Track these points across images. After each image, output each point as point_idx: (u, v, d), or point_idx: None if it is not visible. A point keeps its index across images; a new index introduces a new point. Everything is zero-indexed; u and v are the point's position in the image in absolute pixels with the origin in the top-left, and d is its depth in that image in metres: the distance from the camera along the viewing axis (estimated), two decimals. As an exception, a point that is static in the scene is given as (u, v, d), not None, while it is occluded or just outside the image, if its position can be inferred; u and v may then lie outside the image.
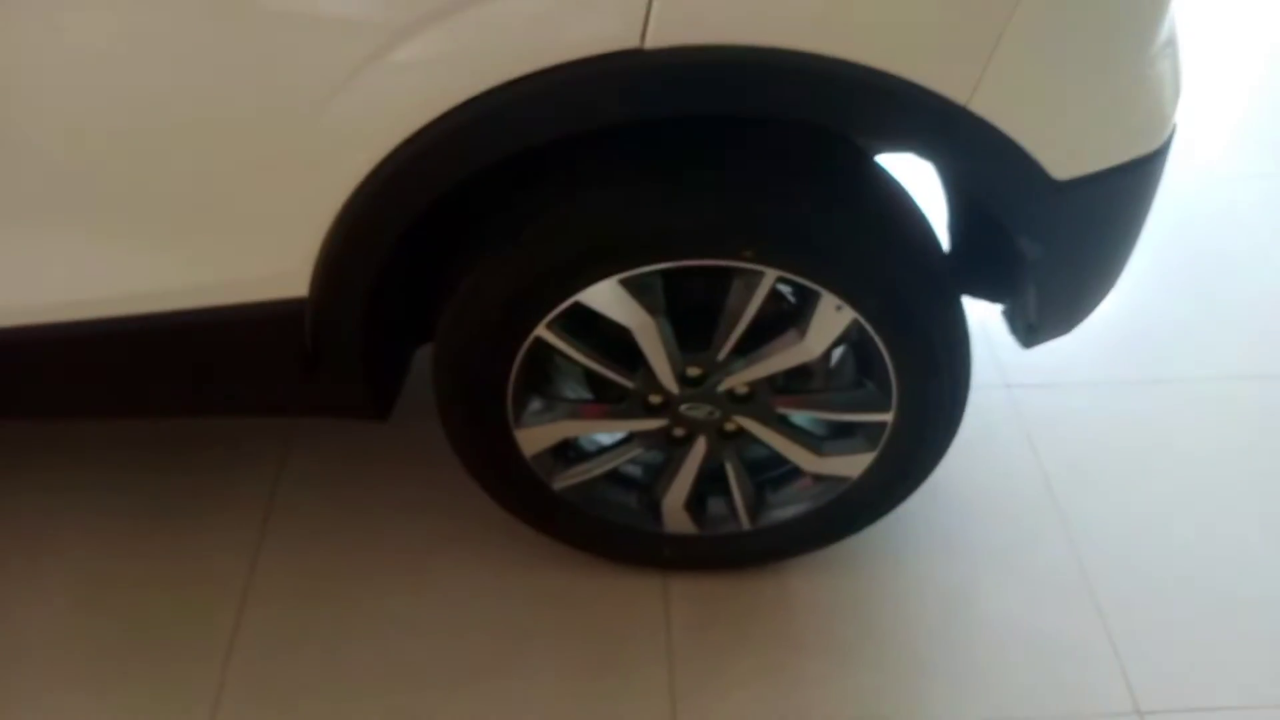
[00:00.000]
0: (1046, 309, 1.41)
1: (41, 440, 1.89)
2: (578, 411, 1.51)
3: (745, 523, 1.60)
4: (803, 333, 1.38)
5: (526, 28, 1.10)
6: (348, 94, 1.13)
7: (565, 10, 1.09)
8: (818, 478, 1.57)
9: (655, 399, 1.47)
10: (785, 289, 1.43)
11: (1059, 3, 1.14)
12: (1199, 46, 3.02)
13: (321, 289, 1.30)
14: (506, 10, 1.08)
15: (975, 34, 1.13)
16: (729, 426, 1.51)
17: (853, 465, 1.53)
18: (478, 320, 1.35)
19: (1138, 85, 1.25)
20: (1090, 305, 1.47)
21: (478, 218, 1.38)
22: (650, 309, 1.35)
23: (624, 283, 1.32)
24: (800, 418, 1.54)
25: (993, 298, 1.57)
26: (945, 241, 1.51)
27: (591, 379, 1.54)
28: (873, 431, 1.49)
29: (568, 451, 1.59)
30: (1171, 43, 1.28)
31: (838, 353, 1.55)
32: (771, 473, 1.62)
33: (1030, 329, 1.46)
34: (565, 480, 1.56)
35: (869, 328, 1.36)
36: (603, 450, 1.57)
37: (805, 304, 1.37)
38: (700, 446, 1.52)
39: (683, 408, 1.47)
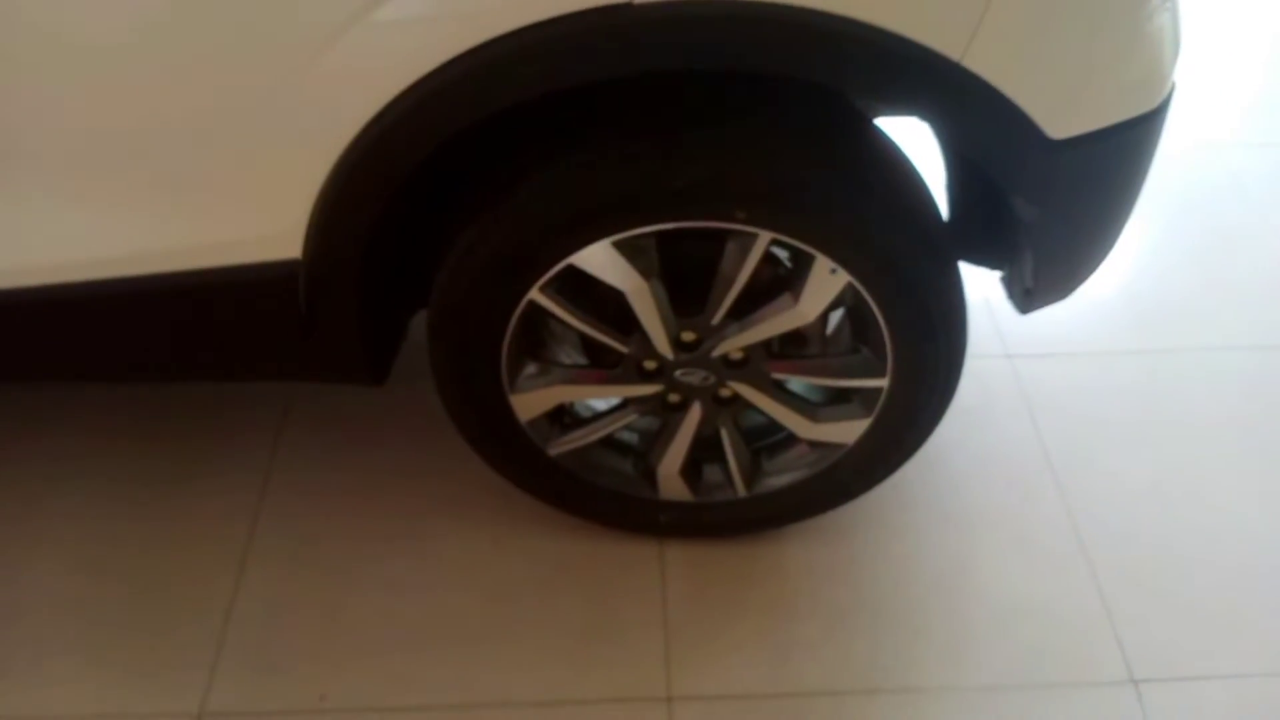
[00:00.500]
0: (1043, 273, 1.40)
1: (43, 407, 1.90)
2: (573, 376, 1.51)
3: (741, 490, 1.60)
4: (797, 296, 1.37)
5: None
6: (336, 51, 1.12)
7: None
8: (813, 444, 1.57)
9: (650, 364, 1.47)
10: (780, 253, 1.42)
11: None
12: (1205, 12, 3.00)
13: (315, 251, 1.30)
14: (493, -35, 1.08)
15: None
16: (724, 392, 1.50)
17: (848, 432, 1.52)
18: (471, 283, 1.35)
19: (1134, 42, 1.23)
20: (1087, 270, 1.46)
21: (471, 179, 1.37)
22: (644, 272, 1.34)
23: (617, 245, 1.32)
24: (796, 384, 1.54)
25: (991, 264, 1.56)
26: (944, 206, 1.50)
27: (587, 344, 1.53)
28: (868, 398, 1.49)
29: (563, 417, 1.59)
30: (1169, 1, 1.27)
31: (835, 318, 1.54)
32: (767, 440, 1.62)
33: (1027, 294, 1.45)
34: (561, 446, 1.56)
35: (863, 291, 1.35)
36: (598, 416, 1.57)
37: (800, 267, 1.37)
38: (695, 413, 1.52)
39: (677, 373, 1.47)
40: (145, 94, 1.20)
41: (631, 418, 1.55)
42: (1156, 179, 1.40)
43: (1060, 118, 1.21)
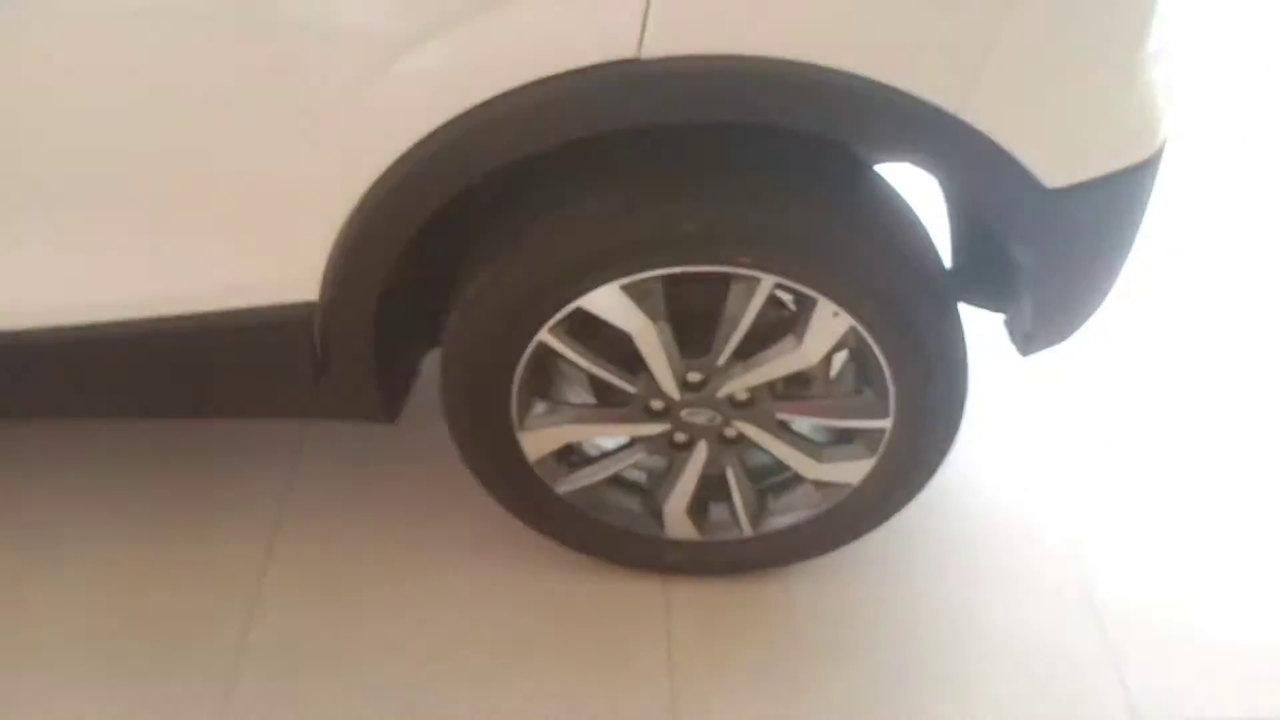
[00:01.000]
0: (1041, 316, 1.43)
1: (60, 441, 1.94)
2: (581, 416, 1.54)
3: (747, 529, 1.62)
4: (800, 339, 1.40)
5: (526, 37, 1.14)
6: (355, 102, 1.17)
7: (564, 20, 1.13)
8: (818, 484, 1.59)
9: (657, 404, 1.49)
10: (784, 295, 1.45)
11: (1049, 13, 1.17)
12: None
13: (331, 293, 1.34)
14: (506, 21, 1.12)
15: (966, 45, 1.16)
16: (730, 432, 1.53)
17: (853, 472, 1.55)
18: (482, 324, 1.39)
19: (1128, 94, 1.27)
20: (1085, 313, 1.48)
21: (483, 223, 1.41)
22: (651, 314, 1.38)
23: (625, 288, 1.35)
24: (801, 424, 1.56)
25: (992, 306, 1.59)
26: (945, 250, 1.53)
27: (595, 384, 1.56)
28: (872, 438, 1.51)
29: (571, 456, 1.61)
30: (1164, 52, 1.30)
31: (839, 360, 1.57)
32: (773, 479, 1.64)
33: (1027, 337, 1.47)
34: (569, 484, 1.59)
35: (865, 334, 1.38)
36: (605, 455, 1.60)
37: (803, 310, 1.40)
38: (702, 452, 1.54)
39: (684, 413, 1.50)
40: (167, 139, 1.25)
41: (638, 456, 1.57)
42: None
43: (1056, 167, 1.25)
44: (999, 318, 1.59)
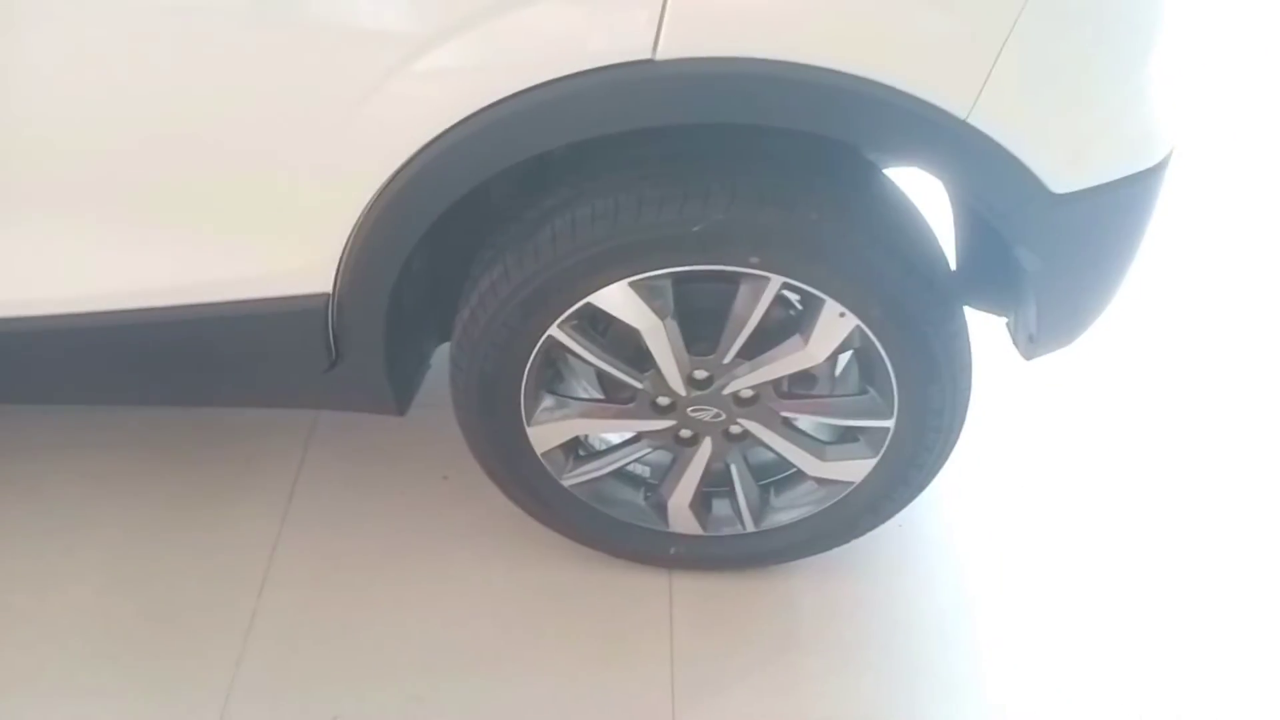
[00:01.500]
0: (1046, 321, 1.44)
1: (73, 426, 1.96)
2: (588, 410, 1.56)
3: (749, 524, 1.64)
4: (806, 338, 1.42)
5: (543, 38, 1.15)
6: (376, 98, 1.19)
7: (581, 22, 1.15)
8: (821, 481, 1.61)
9: (663, 400, 1.51)
10: (791, 295, 1.47)
11: (1057, 19, 1.18)
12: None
13: (345, 285, 1.36)
14: (524, 22, 1.14)
15: (975, 49, 1.17)
16: (734, 429, 1.55)
17: (855, 470, 1.56)
18: (494, 319, 1.40)
19: (1135, 101, 1.28)
20: (1089, 318, 1.50)
21: (496, 219, 1.43)
22: (659, 311, 1.39)
23: (634, 285, 1.37)
24: (805, 422, 1.58)
25: (995, 310, 1.60)
26: (950, 253, 1.54)
27: (602, 379, 1.58)
28: (875, 437, 1.53)
29: (578, 449, 1.63)
30: (1171, 59, 1.31)
31: (843, 359, 1.59)
32: (776, 475, 1.66)
33: (1031, 340, 1.49)
34: (575, 477, 1.61)
35: (871, 335, 1.40)
36: (612, 449, 1.62)
37: (809, 310, 1.41)
38: (706, 448, 1.56)
39: (690, 409, 1.51)
40: (188, 131, 1.27)
41: (644, 451, 1.59)
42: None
43: (1063, 172, 1.26)
44: (1001, 321, 1.61)
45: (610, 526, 1.67)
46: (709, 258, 1.34)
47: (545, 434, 1.55)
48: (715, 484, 1.63)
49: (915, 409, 1.47)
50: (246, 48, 1.19)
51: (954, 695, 1.58)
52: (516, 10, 1.13)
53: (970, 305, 1.55)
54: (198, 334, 1.44)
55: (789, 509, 1.64)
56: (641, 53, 1.15)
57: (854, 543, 1.69)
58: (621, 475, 1.65)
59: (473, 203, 1.32)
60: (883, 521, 1.65)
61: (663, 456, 1.63)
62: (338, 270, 1.35)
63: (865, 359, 1.50)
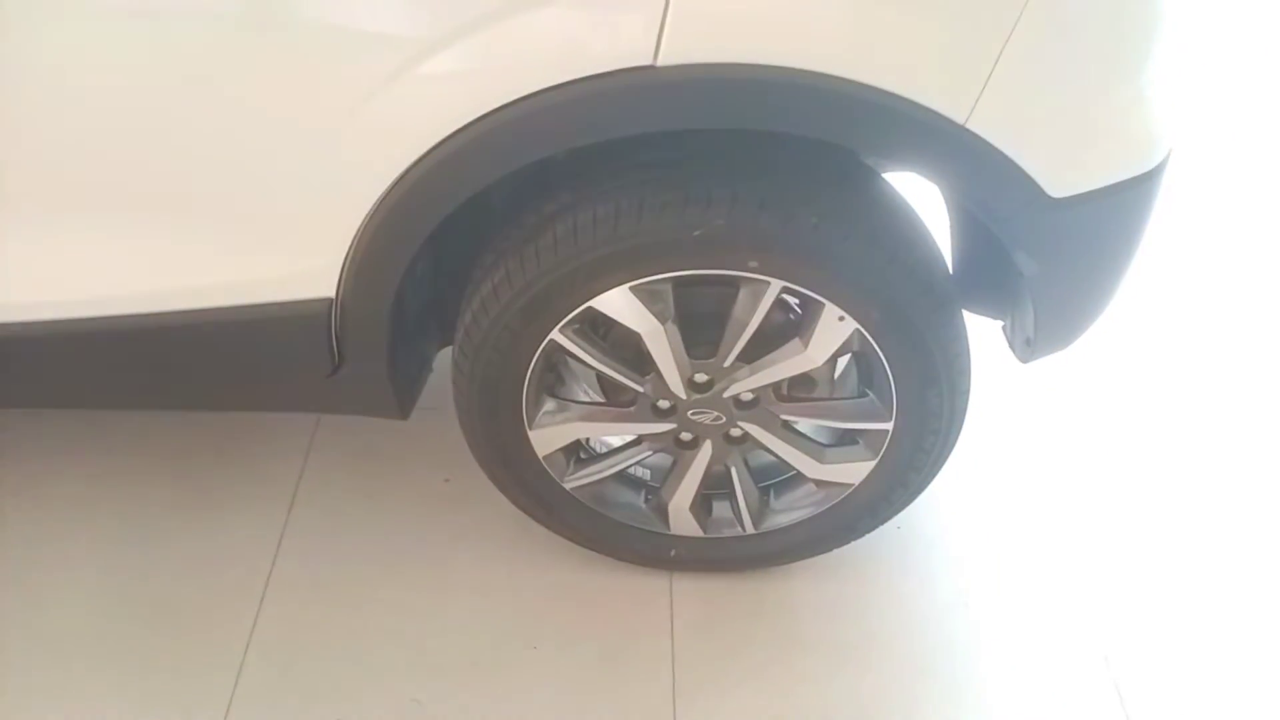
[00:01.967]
0: (1043, 324, 1.45)
1: (72, 432, 1.96)
2: (589, 414, 1.57)
3: (749, 527, 1.65)
4: (806, 342, 1.43)
5: (546, 44, 1.16)
6: (379, 102, 1.19)
7: (582, 28, 1.15)
8: (820, 484, 1.62)
9: (664, 403, 1.52)
10: (790, 299, 1.48)
11: (1056, 25, 1.19)
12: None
13: (348, 290, 1.37)
14: (527, 27, 1.15)
15: (974, 55, 1.18)
16: (734, 432, 1.56)
17: (854, 472, 1.57)
18: (495, 323, 1.41)
19: (1132, 105, 1.29)
20: (1087, 321, 1.51)
21: (498, 223, 1.44)
22: (660, 315, 1.40)
23: (635, 290, 1.38)
24: (804, 424, 1.59)
25: (993, 313, 1.62)
26: (948, 256, 1.55)
27: (603, 382, 1.59)
28: (874, 440, 1.54)
29: (579, 452, 1.64)
30: (1168, 63, 1.32)
31: (842, 362, 1.60)
32: (776, 478, 1.67)
33: (1028, 344, 1.50)
34: (576, 480, 1.62)
35: (870, 338, 1.41)
36: (612, 452, 1.63)
37: (809, 314, 1.42)
38: (706, 450, 1.57)
39: (690, 412, 1.52)
40: (190, 134, 1.27)
41: (645, 454, 1.60)
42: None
43: (1061, 177, 1.27)
44: (998, 324, 1.63)
45: (611, 529, 1.68)
46: (709, 262, 1.35)
47: (547, 437, 1.56)
48: (715, 486, 1.64)
49: (914, 412, 1.48)
50: (249, 52, 1.20)
51: (954, 695, 1.59)
52: (518, 15, 1.14)
53: (968, 309, 1.56)
54: (200, 339, 1.44)
55: (788, 511, 1.65)
56: (643, 59, 1.16)
57: (853, 544, 1.70)
58: (622, 478, 1.66)
59: (474, 206, 1.33)
60: (881, 523, 1.66)
61: (663, 459, 1.64)
62: (341, 275, 1.35)
63: (864, 362, 1.51)
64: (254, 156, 1.27)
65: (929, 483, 1.60)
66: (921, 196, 1.51)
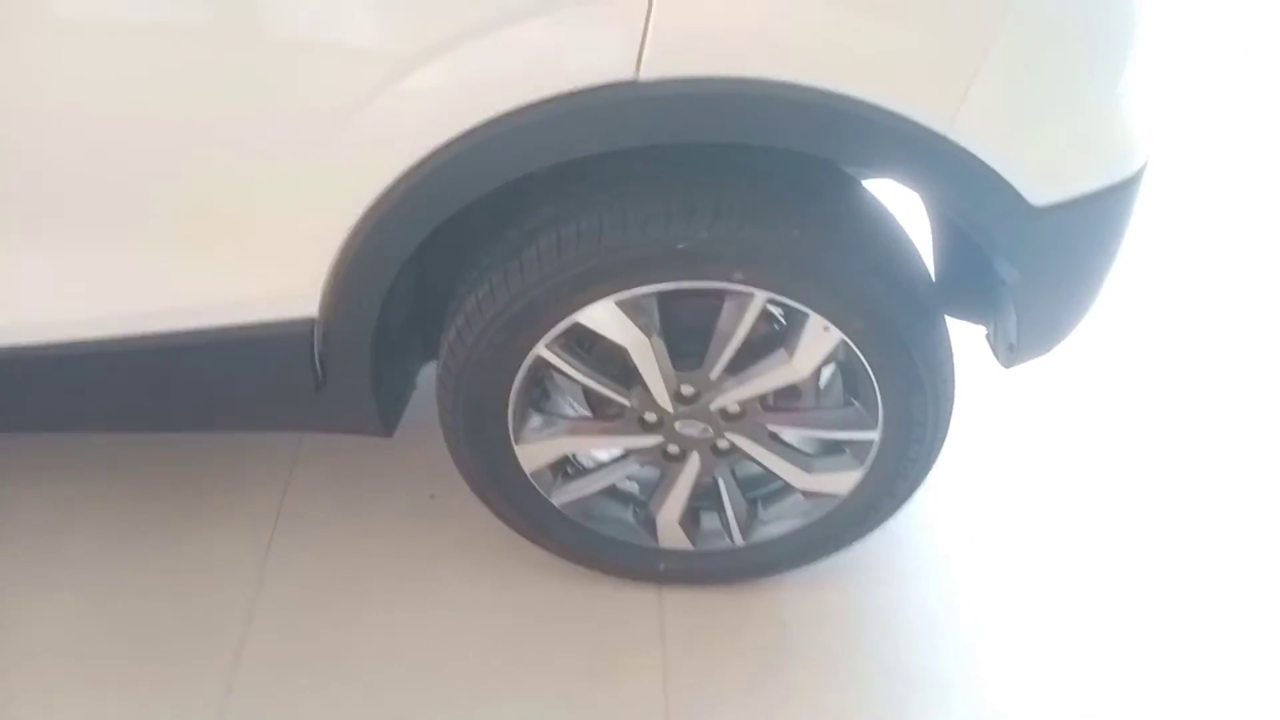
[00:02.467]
0: (1026, 330, 1.46)
1: (53, 452, 1.94)
2: (576, 428, 1.56)
3: (738, 538, 1.65)
4: (791, 353, 1.43)
5: (527, 60, 1.16)
6: (361, 120, 1.19)
7: (564, 44, 1.15)
8: (808, 494, 1.62)
9: (650, 416, 1.52)
10: (775, 310, 1.48)
11: (1035, 34, 1.20)
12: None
13: (331, 308, 1.36)
14: (508, 43, 1.15)
15: (954, 65, 1.19)
16: (722, 444, 1.56)
17: (842, 482, 1.58)
18: (480, 338, 1.41)
19: (1112, 113, 1.31)
20: (1069, 326, 1.52)
21: (481, 238, 1.43)
22: (645, 329, 1.40)
23: (620, 303, 1.37)
24: (790, 435, 1.59)
25: (975, 319, 1.62)
26: (929, 263, 1.56)
27: (589, 396, 1.59)
28: (860, 449, 1.54)
29: (566, 467, 1.63)
30: (1148, 70, 1.33)
31: (827, 372, 1.60)
32: (763, 489, 1.67)
33: (1011, 349, 1.51)
34: (564, 495, 1.61)
35: (855, 348, 1.41)
36: (600, 466, 1.62)
37: (794, 325, 1.43)
38: (694, 463, 1.57)
39: (677, 425, 1.52)
40: (170, 154, 1.26)
41: (632, 468, 1.60)
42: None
43: (1042, 185, 1.28)
44: (979, 329, 1.63)
45: (599, 543, 1.68)
46: (694, 275, 1.35)
47: (533, 452, 1.55)
48: (703, 499, 1.64)
49: (899, 420, 1.49)
50: (229, 67, 1.19)
51: (945, 702, 1.59)
52: (500, 31, 1.14)
53: (950, 314, 1.56)
54: (180, 360, 1.43)
55: (777, 522, 1.65)
56: (624, 74, 1.16)
57: (841, 554, 1.70)
58: (610, 492, 1.66)
59: (455, 221, 1.32)
60: (869, 532, 1.66)
61: (650, 473, 1.63)
62: (323, 294, 1.35)
63: (849, 372, 1.51)
64: (233, 175, 1.26)
65: (915, 490, 1.60)
66: (901, 203, 1.52)
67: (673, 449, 1.57)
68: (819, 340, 1.41)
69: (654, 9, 1.12)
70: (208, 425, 1.69)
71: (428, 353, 1.67)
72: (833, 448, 1.59)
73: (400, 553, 1.79)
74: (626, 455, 1.59)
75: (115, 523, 1.83)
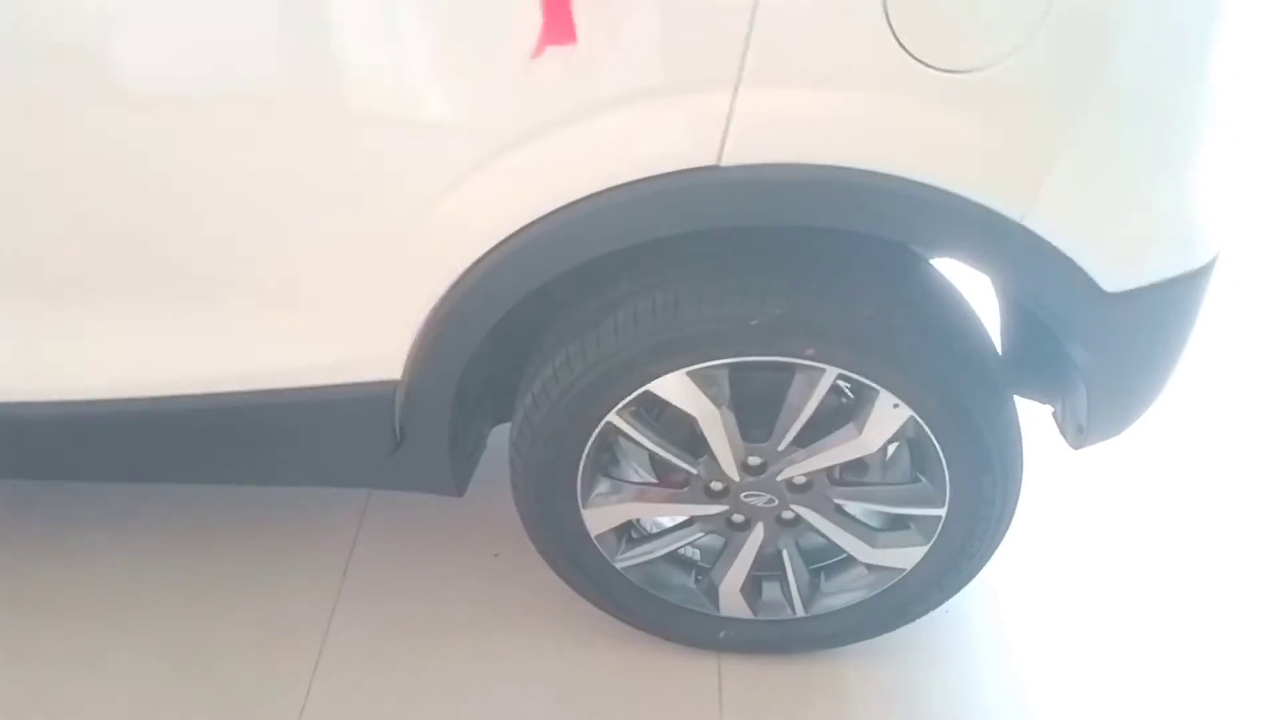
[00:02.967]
0: (1097, 412, 1.46)
1: (128, 501, 1.99)
2: (643, 494, 1.58)
3: (799, 609, 1.65)
4: (860, 428, 1.45)
5: (615, 145, 1.20)
6: (453, 197, 1.24)
7: (653, 129, 1.19)
8: (871, 568, 1.62)
9: (717, 485, 1.54)
10: (843, 384, 1.50)
11: (1112, 126, 1.20)
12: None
13: (415, 372, 1.40)
14: (599, 128, 1.19)
15: (1031, 155, 1.21)
16: (786, 514, 1.57)
17: (906, 557, 1.58)
18: (556, 405, 1.44)
19: (1186, 202, 1.31)
20: (1139, 411, 1.51)
21: (559, 308, 1.48)
22: (715, 399, 1.43)
23: (692, 374, 1.40)
24: (855, 508, 1.60)
25: (1042, 398, 1.62)
26: (998, 343, 1.57)
27: (654, 461, 1.61)
28: (926, 525, 1.54)
29: (631, 532, 1.66)
30: (1221, 161, 1.33)
31: (893, 447, 1.61)
32: (826, 560, 1.67)
33: (1080, 431, 1.50)
34: (627, 560, 1.63)
35: (924, 426, 1.42)
36: (664, 532, 1.64)
37: (863, 400, 1.44)
38: (759, 532, 1.58)
39: (743, 495, 1.54)
40: (275, 225, 1.32)
41: (696, 535, 1.61)
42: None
43: (1116, 272, 1.29)
44: (1046, 409, 1.63)
45: (661, 609, 1.69)
46: (766, 349, 1.38)
47: (600, 517, 1.58)
48: (766, 568, 1.65)
49: (968, 498, 1.49)
50: (332, 141, 1.25)
51: (1006, 787, 1.57)
52: (591, 118, 1.19)
53: (1017, 393, 1.57)
54: (265, 418, 1.48)
55: (839, 594, 1.65)
56: (708, 159, 1.20)
57: (904, 629, 1.69)
58: (673, 558, 1.67)
59: (536, 290, 1.37)
60: (933, 608, 1.65)
61: (714, 540, 1.65)
62: (408, 358, 1.39)
63: (917, 447, 1.52)
64: (332, 247, 1.32)
65: (981, 568, 1.60)
66: (969, 281, 1.53)
67: (737, 518, 1.58)
68: (888, 416, 1.42)
69: (738, 99, 1.16)
70: (282, 480, 1.73)
71: (499, 414, 1.71)
72: (898, 522, 1.59)
73: (465, 610, 1.81)
74: (691, 522, 1.60)
75: (185, 573, 1.88)
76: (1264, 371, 2.38)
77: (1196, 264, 1.35)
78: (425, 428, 1.48)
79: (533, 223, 1.25)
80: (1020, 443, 1.48)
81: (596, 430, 1.47)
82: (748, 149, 1.19)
